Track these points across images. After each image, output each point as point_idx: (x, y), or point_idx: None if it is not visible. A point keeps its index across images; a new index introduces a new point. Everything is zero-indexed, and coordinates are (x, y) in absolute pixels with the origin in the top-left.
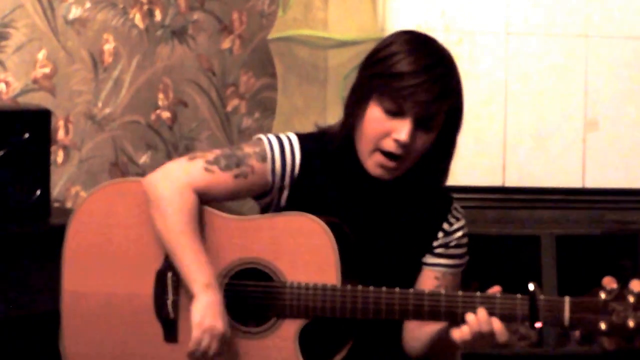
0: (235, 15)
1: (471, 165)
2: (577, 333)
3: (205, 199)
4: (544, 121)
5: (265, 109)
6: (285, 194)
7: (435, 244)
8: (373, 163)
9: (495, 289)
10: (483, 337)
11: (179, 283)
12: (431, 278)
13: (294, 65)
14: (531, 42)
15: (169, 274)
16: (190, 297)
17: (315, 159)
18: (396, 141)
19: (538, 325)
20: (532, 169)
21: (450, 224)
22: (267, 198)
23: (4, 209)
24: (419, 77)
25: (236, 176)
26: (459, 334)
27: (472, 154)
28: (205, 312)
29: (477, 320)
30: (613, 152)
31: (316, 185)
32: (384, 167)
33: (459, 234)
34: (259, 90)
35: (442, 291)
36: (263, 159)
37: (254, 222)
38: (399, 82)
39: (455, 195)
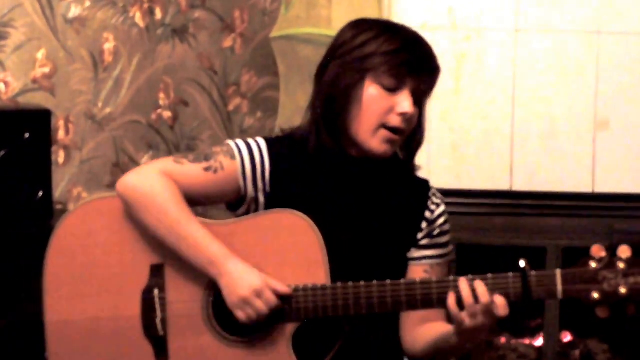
0: (237, 14)
1: (478, 167)
2: (577, 352)
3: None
4: (553, 121)
5: (267, 108)
6: (262, 201)
7: (419, 235)
8: (378, 140)
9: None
10: (478, 311)
11: (166, 300)
12: (420, 272)
13: (296, 64)
14: (540, 40)
15: (156, 291)
16: (179, 315)
17: (286, 160)
18: (401, 115)
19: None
20: (541, 171)
21: (432, 212)
22: (242, 208)
23: (6, 210)
24: (416, 51)
25: (206, 169)
26: (452, 299)
27: (478, 155)
28: (234, 286)
29: (468, 292)
30: (624, 154)
31: (291, 187)
32: (390, 141)
33: (441, 220)
34: (261, 90)
35: (434, 278)
36: (232, 157)
37: (238, 224)
38: (399, 58)
39: (462, 200)
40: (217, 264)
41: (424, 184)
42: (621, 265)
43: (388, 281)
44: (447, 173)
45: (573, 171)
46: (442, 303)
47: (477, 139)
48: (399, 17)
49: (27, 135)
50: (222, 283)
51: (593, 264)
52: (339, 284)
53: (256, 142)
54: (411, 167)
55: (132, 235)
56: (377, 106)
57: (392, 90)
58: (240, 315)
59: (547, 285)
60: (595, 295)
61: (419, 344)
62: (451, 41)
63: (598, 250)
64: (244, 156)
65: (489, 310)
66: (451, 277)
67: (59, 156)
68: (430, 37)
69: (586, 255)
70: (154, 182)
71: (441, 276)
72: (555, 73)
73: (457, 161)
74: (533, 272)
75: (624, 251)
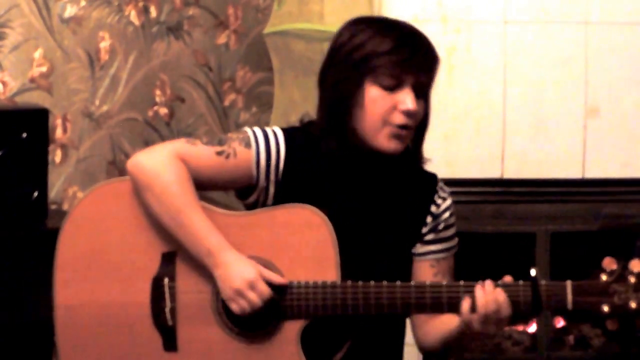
0: (230, 10)
1: (470, 156)
2: (571, 338)
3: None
4: (543, 109)
5: (262, 103)
6: (272, 191)
7: (424, 230)
8: (385, 137)
9: (507, 279)
10: (490, 311)
11: (176, 290)
12: (426, 267)
13: (290, 59)
14: (529, 30)
15: (166, 280)
16: (188, 305)
17: (301, 153)
18: (404, 112)
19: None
20: (532, 159)
21: (438, 206)
22: (252, 197)
23: (1, 210)
24: (412, 47)
25: (218, 153)
26: (466, 305)
27: (470, 144)
28: (227, 278)
29: (484, 292)
30: (614, 140)
31: (303, 179)
32: (398, 136)
33: (447, 214)
34: (256, 85)
35: (444, 282)
36: (247, 145)
37: (253, 217)
38: (395, 57)
39: (454, 189)
40: (213, 255)
41: (432, 177)
42: (632, 279)
43: (398, 282)
44: (439, 162)
45: (564, 158)
46: (452, 307)
47: (469, 128)
48: (389, 10)
49: (24, 134)
50: (216, 274)
51: (604, 277)
52: (349, 283)
53: (274, 132)
54: (419, 159)
55: (146, 220)
56: (379, 107)
57: (393, 89)
58: (234, 307)
59: (557, 295)
60: (605, 308)
61: (429, 338)
62: (441, 34)
63: (609, 263)
64: (260, 146)
65: (501, 319)
66: (461, 282)
67: (56, 155)
68: (421, 30)
69: (576, 240)
70: (162, 163)
71: (447, 269)
72: (545, 63)
73: (449, 151)
74: (543, 282)
75: (636, 265)
